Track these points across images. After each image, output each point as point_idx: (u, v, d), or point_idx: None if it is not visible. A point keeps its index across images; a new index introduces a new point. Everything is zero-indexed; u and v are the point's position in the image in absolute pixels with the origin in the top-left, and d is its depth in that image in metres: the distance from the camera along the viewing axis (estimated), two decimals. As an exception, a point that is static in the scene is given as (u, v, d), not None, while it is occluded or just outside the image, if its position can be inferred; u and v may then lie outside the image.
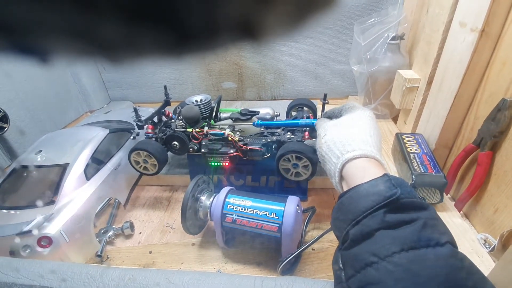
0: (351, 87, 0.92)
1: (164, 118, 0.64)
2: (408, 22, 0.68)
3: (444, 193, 0.48)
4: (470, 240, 0.43)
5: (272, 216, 0.47)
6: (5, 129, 0.57)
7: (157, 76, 1.00)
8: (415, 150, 0.54)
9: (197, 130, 0.57)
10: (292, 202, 0.48)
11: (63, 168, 0.52)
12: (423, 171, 0.49)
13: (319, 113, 0.67)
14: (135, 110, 0.59)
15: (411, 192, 0.27)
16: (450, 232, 0.25)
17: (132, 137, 0.67)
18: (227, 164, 0.55)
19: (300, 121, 0.55)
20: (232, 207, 0.49)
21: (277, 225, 0.46)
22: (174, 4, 0.08)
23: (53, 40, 0.08)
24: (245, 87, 0.97)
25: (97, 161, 0.57)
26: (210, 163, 0.55)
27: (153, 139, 0.59)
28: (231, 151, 0.53)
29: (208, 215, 0.52)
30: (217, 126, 0.58)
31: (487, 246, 0.43)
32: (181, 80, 0.99)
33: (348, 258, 0.28)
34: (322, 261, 0.50)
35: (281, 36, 0.10)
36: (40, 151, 0.56)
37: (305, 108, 0.64)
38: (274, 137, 0.54)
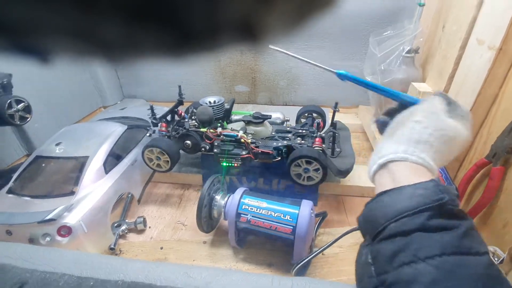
0: (361, 97, 0.93)
1: (176, 117, 0.66)
2: (423, 36, 0.70)
3: (455, 205, 0.49)
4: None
5: (286, 218, 0.48)
6: (28, 120, 0.58)
7: (171, 75, 1.02)
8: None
9: (211, 130, 0.58)
10: (307, 205, 0.49)
11: (83, 161, 0.53)
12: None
13: (328, 120, 0.68)
14: (151, 108, 0.61)
15: (455, 200, 0.27)
16: (485, 243, 0.26)
17: (148, 134, 0.68)
18: (237, 164, 0.56)
19: (401, 94, 0.40)
20: (247, 207, 0.50)
21: (291, 227, 0.47)
22: (175, 4, 0.08)
23: (54, 40, 0.08)
24: (257, 91, 0.98)
25: (115, 156, 0.58)
26: (221, 163, 0.57)
27: (166, 137, 0.60)
28: (243, 153, 0.55)
29: (222, 214, 0.53)
30: (230, 128, 0.59)
31: (496, 259, 0.44)
32: (194, 81, 1.00)
33: (382, 254, 0.28)
34: (332, 266, 0.51)
35: (281, 37, 0.10)
36: (60, 143, 0.57)
37: (314, 115, 0.66)
38: (285, 142, 0.55)
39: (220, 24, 0.08)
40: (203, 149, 0.57)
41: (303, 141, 0.55)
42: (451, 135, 0.32)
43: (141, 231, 0.58)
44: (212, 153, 0.59)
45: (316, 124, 0.60)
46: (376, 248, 0.28)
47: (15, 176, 0.53)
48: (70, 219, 0.46)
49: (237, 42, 0.09)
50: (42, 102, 0.75)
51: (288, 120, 0.64)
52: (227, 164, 0.56)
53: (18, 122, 0.56)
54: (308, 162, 0.52)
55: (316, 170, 0.52)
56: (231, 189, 0.64)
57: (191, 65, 0.96)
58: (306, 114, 0.67)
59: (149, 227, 0.60)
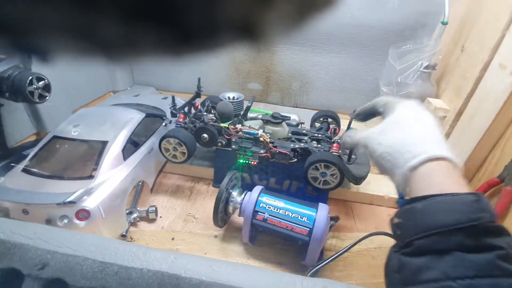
0: (372, 106, 0.95)
1: (192, 110, 0.66)
2: (442, 54, 0.72)
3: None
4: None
5: (303, 219, 0.49)
6: (47, 98, 0.57)
7: (184, 66, 1.01)
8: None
9: (232, 126, 0.58)
10: (324, 209, 0.50)
11: (102, 145, 0.53)
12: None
13: (343, 126, 0.70)
14: (173, 99, 0.61)
15: (494, 215, 0.26)
16: None
17: (164, 124, 0.68)
18: (255, 163, 0.57)
19: None
20: (265, 206, 0.51)
21: (308, 229, 0.48)
22: (175, 3, 0.08)
23: (54, 39, 0.08)
24: (270, 91, 0.99)
25: (133, 143, 0.58)
26: (238, 160, 0.57)
27: (184, 128, 0.61)
28: (262, 151, 0.55)
29: (238, 210, 0.53)
30: (248, 125, 0.60)
31: (501, 275, 0.46)
32: (208, 74, 1.00)
33: (409, 266, 0.27)
34: (343, 270, 0.52)
35: (281, 37, 0.10)
36: (78, 125, 0.56)
37: (329, 120, 0.67)
38: (302, 144, 0.56)
39: (219, 23, 0.08)
40: (219, 143, 0.58)
41: (319, 145, 0.56)
42: (411, 120, 0.34)
43: (152, 220, 0.58)
44: (229, 149, 0.60)
45: (332, 130, 0.61)
46: (406, 259, 0.28)
47: (31, 154, 0.52)
48: (89, 203, 0.45)
49: (236, 41, 0.09)
50: (56, 81, 0.74)
51: (303, 123, 0.65)
52: (244, 161, 0.57)
53: (37, 100, 0.55)
54: (326, 167, 0.53)
55: (333, 175, 0.53)
56: (242, 186, 0.65)
57: (208, 58, 0.96)
58: (322, 119, 0.68)
59: (160, 217, 0.60)
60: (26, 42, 0.08)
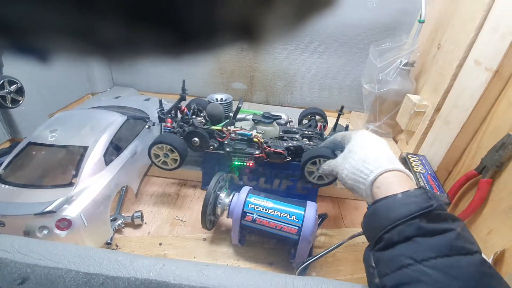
0: (355, 103, 0.97)
1: (178, 114, 0.64)
2: (420, 51, 0.74)
3: (445, 212, 0.53)
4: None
5: (292, 218, 0.49)
6: (20, 103, 0.54)
7: (165, 67, 0.99)
8: (421, 170, 0.59)
9: (225, 128, 0.57)
10: (312, 207, 0.50)
11: (83, 151, 0.51)
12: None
13: (329, 123, 0.70)
14: (160, 102, 0.59)
15: (443, 205, 0.31)
16: (477, 243, 0.29)
17: (147, 126, 0.66)
18: (251, 164, 0.56)
19: None
20: (253, 206, 0.50)
21: (297, 227, 0.48)
22: (174, 4, 0.08)
23: (53, 40, 0.08)
24: (254, 90, 0.98)
25: (115, 147, 0.56)
26: (233, 162, 0.57)
27: (173, 133, 0.59)
28: (257, 152, 0.55)
29: (226, 212, 0.53)
30: (239, 127, 0.59)
31: (480, 263, 0.48)
32: (191, 75, 0.99)
33: (382, 258, 0.31)
34: (331, 266, 0.53)
35: (280, 37, 0.10)
36: (56, 129, 0.54)
37: (317, 117, 0.68)
38: (294, 142, 0.56)
39: (218, 24, 0.09)
40: (211, 147, 0.56)
41: (311, 143, 0.57)
42: (367, 143, 0.41)
43: (138, 226, 0.57)
44: (221, 151, 0.59)
45: (321, 126, 0.62)
46: (378, 253, 0.31)
47: (5, 163, 0.49)
48: (70, 212, 0.43)
49: (235, 42, 0.09)
50: (30, 84, 0.70)
51: (292, 121, 0.65)
52: (239, 163, 0.56)
53: (10, 105, 0.52)
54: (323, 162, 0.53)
55: None
56: (231, 187, 0.64)
57: (189, 58, 0.94)
58: (309, 116, 0.69)
59: (145, 223, 0.58)
60: (26, 42, 0.08)
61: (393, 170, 0.35)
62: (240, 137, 0.56)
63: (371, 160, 0.37)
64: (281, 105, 1.00)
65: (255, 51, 0.92)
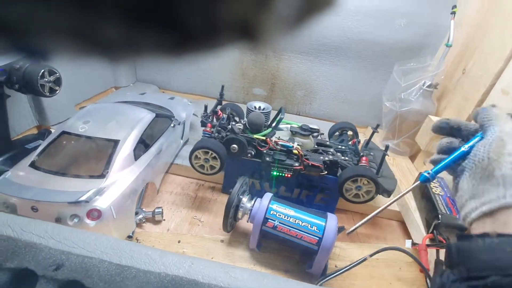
0: (372, 119, 0.98)
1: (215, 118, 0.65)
2: (444, 74, 0.75)
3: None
4: None
5: (313, 229, 0.49)
6: (57, 92, 0.56)
7: (189, 66, 1.01)
8: (439, 192, 0.60)
9: (269, 139, 0.58)
10: (333, 219, 0.51)
11: (114, 144, 0.52)
12: (448, 212, 0.54)
13: (361, 139, 0.71)
14: (205, 107, 0.61)
15: None
16: None
17: (172, 125, 0.68)
18: (289, 175, 0.57)
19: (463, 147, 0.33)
20: (275, 213, 0.51)
21: (317, 238, 0.49)
22: (174, 5, 0.08)
23: (54, 39, 0.08)
24: (274, 97, 1.00)
25: (144, 144, 0.57)
26: (272, 172, 0.57)
27: (213, 138, 0.59)
28: (296, 164, 0.56)
29: (247, 216, 0.54)
30: (278, 137, 0.60)
31: None
32: (213, 76, 1.00)
33: None
34: (346, 279, 0.53)
35: (280, 37, 0.10)
36: (88, 121, 0.55)
37: (349, 132, 0.69)
38: (330, 156, 0.57)
39: (219, 24, 0.09)
40: (249, 154, 0.57)
41: (346, 158, 0.58)
42: None
43: (158, 222, 0.58)
44: (257, 160, 0.59)
45: (355, 142, 0.62)
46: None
47: (39, 149, 0.50)
48: (101, 203, 0.45)
49: (235, 42, 0.09)
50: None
51: (323, 134, 0.66)
52: (278, 174, 0.57)
53: (48, 94, 0.53)
54: (367, 182, 0.54)
55: (369, 191, 0.55)
56: (252, 192, 0.65)
57: (212, 59, 0.96)
58: (341, 130, 0.70)
59: (164, 219, 0.59)
60: (26, 42, 0.08)
61: None
62: (280, 148, 0.57)
63: (493, 181, 0.27)
64: (299, 115, 1.01)
65: (278, 59, 0.93)
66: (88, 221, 0.44)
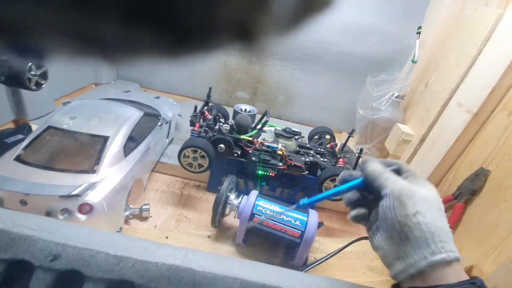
0: (347, 125, 1.05)
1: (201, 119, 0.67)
2: (410, 87, 0.84)
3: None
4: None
5: (296, 223, 0.54)
6: (43, 86, 0.55)
7: (174, 67, 1.02)
8: (405, 191, 0.67)
9: (255, 139, 0.61)
10: (314, 214, 0.55)
11: (104, 140, 0.52)
12: (412, 209, 0.61)
13: (337, 142, 0.77)
14: (195, 108, 0.63)
15: None
16: None
17: (159, 124, 0.69)
18: (273, 174, 0.61)
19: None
20: (262, 209, 0.55)
21: (300, 231, 0.53)
22: (172, 5, 0.08)
23: (51, 40, 0.08)
24: (256, 101, 1.04)
25: (133, 141, 0.58)
26: (257, 171, 0.60)
27: (200, 138, 0.61)
28: (280, 164, 0.60)
29: (233, 212, 0.57)
30: (263, 138, 0.64)
31: (451, 276, 0.56)
32: (197, 78, 1.02)
33: None
34: (324, 270, 0.58)
35: (276, 39, 0.10)
36: (75, 117, 0.55)
37: (327, 136, 0.74)
38: (311, 158, 0.62)
39: (216, 25, 0.09)
40: (235, 154, 0.60)
41: (325, 159, 0.62)
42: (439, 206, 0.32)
43: (145, 218, 0.59)
44: (242, 159, 0.62)
45: (333, 145, 0.68)
46: None
47: (24, 143, 0.50)
48: (93, 197, 0.45)
49: (233, 43, 0.09)
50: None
51: (303, 137, 0.71)
52: (263, 173, 0.60)
53: (34, 87, 0.53)
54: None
55: None
56: (237, 191, 0.68)
57: (198, 62, 0.98)
58: (320, 134, 0.75)
59: (151, 216, 0.60)
60: (24, 42, 0.08)
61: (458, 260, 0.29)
62: (265, 148, 0.61)
63: (447, 237, 0.30)
64: (280, 118, 1.06)
65: (262, 65, 0.98)
66: (79, 215, 0.44)
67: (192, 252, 0.41)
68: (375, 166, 0.34)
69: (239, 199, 0.57)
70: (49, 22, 0.08)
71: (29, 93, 0.68)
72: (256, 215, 0.54)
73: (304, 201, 0.41)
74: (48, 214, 0.43)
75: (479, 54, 0.61)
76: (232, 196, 0.57)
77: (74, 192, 0.43)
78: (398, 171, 0.36)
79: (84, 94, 0.88)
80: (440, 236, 0.29)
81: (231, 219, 0.60)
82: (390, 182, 0.32)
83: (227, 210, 0.57)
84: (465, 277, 0.28)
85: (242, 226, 0.55)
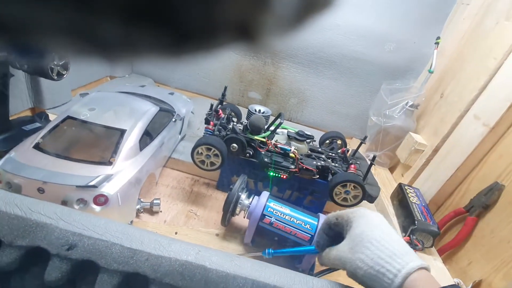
0: (357, 131, 1.05)
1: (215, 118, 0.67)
2: (424, 97, 0.83)
3: (433, 240, 0.60)
4: (448, 283, 0.55)
5: (306, 227, 0.54)
6: (64, 76, 0.55)
7: (187, 64, 1.02)
8: (416, 201, 0.67)
9: (269, 140, 0.61)
10: (324, 219, 0.55)
11: (121, 133, 0.53)
12: (422, 219, 0.61)
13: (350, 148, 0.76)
14: (211, 106, 0.63)
15: None
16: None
17: (173, 120, 0.69)
18: (285, 176, 0.60)
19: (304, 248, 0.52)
20: (272, 210, 0.55)
21: (310, 235, 0.53)
22: (173, 4, 0.08)
23: (51, 39, 0.08)
24: (268, 102, 1.04)
25: (148, 135, 0.58)
26: (269, 172, 0.60)
27: (214, 136, 0.61)
28: (292, 167, 0.60)
29: (244, 212, 0.57)
30: (276, 140, 0.64)
31: (459, 289, 0.55)
32: (211, 76, 1.03)
33: None
34: (331, 275, 0.58)
35: (278, 38, 0.10)
36: (94, 108, 0.56)
37: (338, 141, 0.74)
38: (322, 162, 0.62)
39: (217, 24, 0.09)
40: (247, 154, 0.60)
41: (336, 165, 0.62)
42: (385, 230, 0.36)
43: (155, 213, 0.59)
44: (253, 160, 0.62)
45: (345, 150, 0.68)
46: None
47: (43, 132, 0.50)
48: (109, 189, 0.46)
49: (234, 42, 0.09)
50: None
51: (315, 141, 0.71)
52: (274, 174, 0.60)
53: (56, 77, 0.53)
54: (354, 187, 0.58)
55: (356, 196, 0.59)
56: (248, 191, 0.68)
57: (212, 59, 0.99)
58: (331, 139, 0.75)
59: (161, 211, 0.61)
60: (24, 42, 0.08)
61: (422, 268, 0.32)
62: (278, 150, 0.61)
63: (398, 254, 0.33)
64: (290, 121, 1.06)
65: (276, 67, 0.98)
66: (94, 206, 0.45)
67: (205, 249, 0.41)
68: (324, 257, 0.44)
69: (250, 199, 0.57)
70: (51, 21, 0.08)
71: (47, 82, 0.69)
72: (266, 216, 0.54)
73: (269, 250, 0.52)
74: (64, 203, 0.44)
75: (499, 68, 0.61)
76: (243, 196, 0.57)
77: (91, 183, 0.44)
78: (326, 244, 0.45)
79: (99, 86, 0.89)
80: (394, 258, 0.33)
81: (239, 219, 0.60)
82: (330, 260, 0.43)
83: (238, 210, 0.57)
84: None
85: (252, 226, 0.55)
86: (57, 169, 0.46)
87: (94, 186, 0.44)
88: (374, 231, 0.36)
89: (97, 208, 0.45)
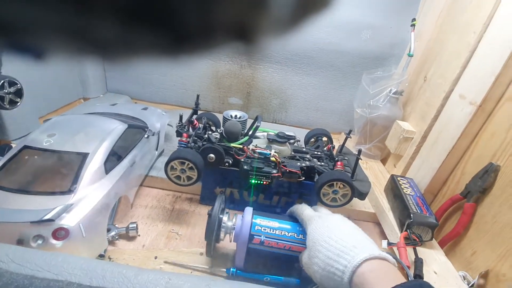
0: (345, 125, 1.01)
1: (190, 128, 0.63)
2: (408, 82, 0.80)
3: (432, 233, 0.56)
4: (454, 277, 0.51)
5: (300, 237, 0.49)
6: (18, 104, 0.52)
7: (162, 76, 0.99)
8: (410, 192, 0.63)
9: (246, 147, 0.58)
10: (314, 224, 0.51)
11: (83, 157, 0.49)
12: (418, 211, 0.57)
13: (336, 144, 0.73)
14: (181, 117, 0.59)
15: None
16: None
17: (146, 136, 0.65)
18: (267, 183, 0.57)
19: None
20: (260, 228, 0.49)
21: (305, 246, 0.48)
22: (170, 5, 0.08)
23: (49, 39, 0.08)
24: (250, 106, 1.00)
25: (116, 156, 0.55)
26: (250, 180, 0.57)
27: (189, 148, 0.57)
28: (274, 171, 0.56)
29: (229, 236, 0.51)
30: (255, 145, 0.60)
31: (466, 283, 0.51)
32: (187, 86, 0.99)
33: None
34: None
35: (275, 38, 0.10)
36: (54, 134, 0.52)
37: (324, 138, 0.70)
38: (307, 162, 0.58)
39: (213, 25, 0.09)
40: (226, 163, 0.57)
41: (322, 163, 0.58)
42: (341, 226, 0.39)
43: (132, 238, 0.55)
44: (234, 168, 0.59)
45: (330, 147, 0.64)
46: None
47: (-3, 166, 0.46)
48: (69, 221, 0.42)
49: (230, 43, 0.09)
50: (22, 84, 0.68)
51: (299, 140, 0.67)
52: (256, 182, 0.56)
53: (8, 106, 0.50)
54: (343, 186, 0.55)
55: (345, 195, 0.55)
56: (232, 202, 0.64)
57: (186, 69, 0.96)
58: (316, 137, 0.71)
59: (139, 235, 0.56)
60: (22, 41, 0.08)
61: (372, 258, 0.31)
62: (258, 155, 0.57)
63: (343, 252, 0.33)
64: (275, 123, 1.02)
65: (253, 69, 0.95)
66: (53, 241, 0.41)
67: (176, 276, 0.37)
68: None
69: (234, 220, 0.52)
70: (47, 21, 0.07)
71: (10, 112, 0.66)
72: (255, 236, 0.49)
73: (233, 269, 0.50)
74: (20, 242, 0.40)
75: (479, 42, 0.57)
76: (225, 218, 0.52)
77: (46, 217, 0.40)
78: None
79: (71, 110, 0.86)
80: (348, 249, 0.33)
81: (225, 242, 0.55)
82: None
83: (222, 235, 0.52)
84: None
85: (241, 250, 0.49)
86: (13, 205, 0.42)
87: (50, 220, 0.40)
88: (323, 233, 0.37)
89: (57, 243, 0.41)
